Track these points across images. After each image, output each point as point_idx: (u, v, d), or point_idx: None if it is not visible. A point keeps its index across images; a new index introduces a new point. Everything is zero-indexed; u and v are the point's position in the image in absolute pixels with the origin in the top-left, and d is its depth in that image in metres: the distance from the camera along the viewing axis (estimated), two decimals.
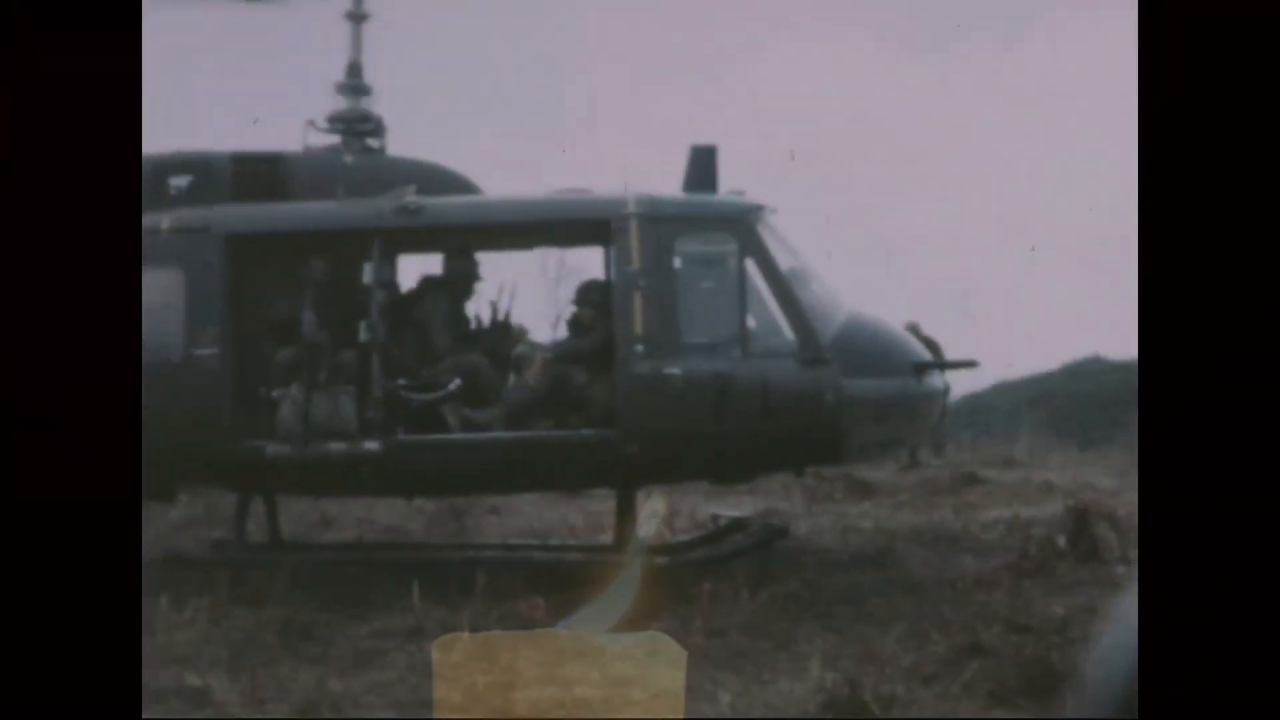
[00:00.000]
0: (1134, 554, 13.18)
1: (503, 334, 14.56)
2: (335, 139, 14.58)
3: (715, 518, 15.57)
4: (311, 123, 14.57)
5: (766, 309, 13.58)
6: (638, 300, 13.25)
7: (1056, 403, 74.91)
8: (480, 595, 11.71)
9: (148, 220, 12.82)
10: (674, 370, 13.12)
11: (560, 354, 14.10)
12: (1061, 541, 13.30)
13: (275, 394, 13.34)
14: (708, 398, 13.13)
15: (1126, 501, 17.16)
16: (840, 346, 13.41)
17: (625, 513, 14.07)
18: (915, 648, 10.52)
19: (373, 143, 14.56)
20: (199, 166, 13.92)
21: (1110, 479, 21.21)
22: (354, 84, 14.60)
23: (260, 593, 12.38)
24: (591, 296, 14.26)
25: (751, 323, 13.53)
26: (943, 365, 14.01)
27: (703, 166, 14.11)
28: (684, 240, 13.58)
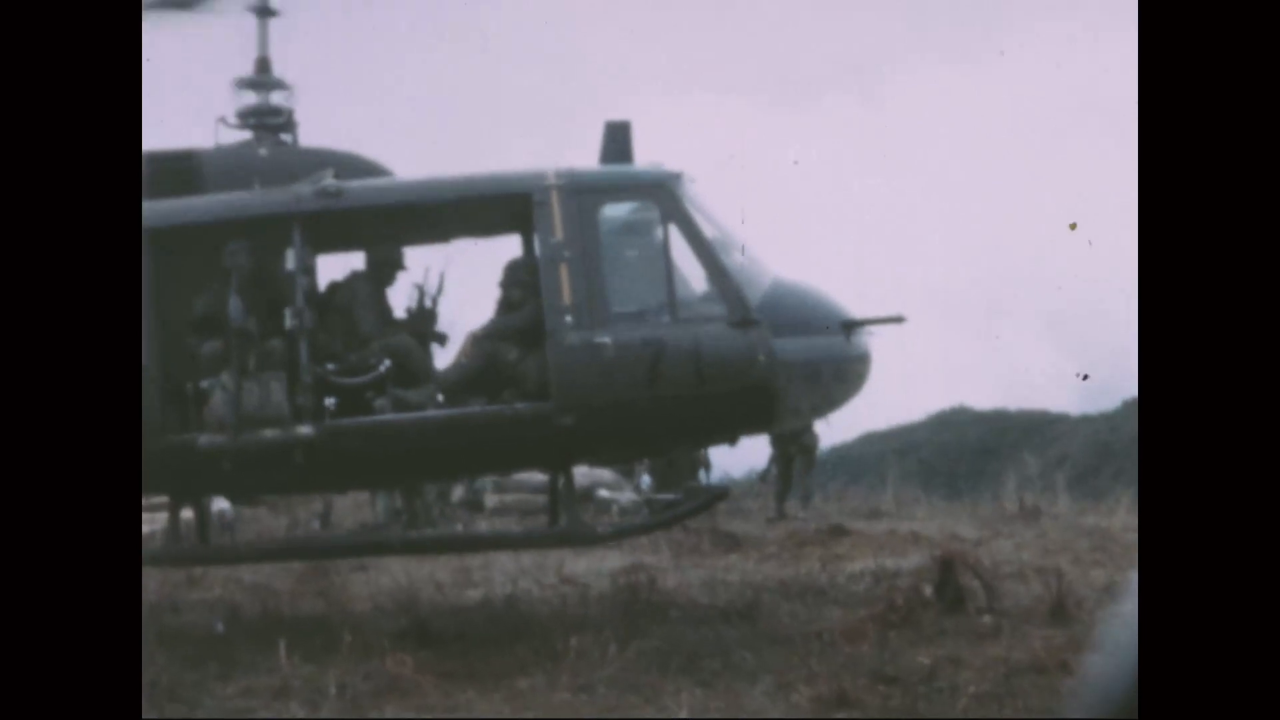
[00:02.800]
0: (998, 604, 13.32)
1: (430, 315, 14.48)
2: (246, 134, 14.43)
3: (649, 499, 15.64)
4: (222, 119, 14.43)
5: (693, 274, 13.63)
6: (564, 271, 13.22)
7: (923, 453, 75.68)
8: (347, 653, 11.62)
9: None
10: (604, 339, 13.10)
11: (490, 331, 14.06)
12: (928, 592, 13.39)
13: (205, 385, 13.15)
14: (640, 365, 13.13)
15: (992, 551, 17.36)
16: (768, 308, 13.45)
17: (563, 489, 14.19)
18: (783, 700, 10.54)
19: (284, 137, 14.44)
20: None
21: (976, 529, 21.43)
22: (263, 79, 14.48)
23: None
24: (518, 274, 14.21)
25: (679, 289, 13.53)
26: (870, 322, 14.02)
27: (618, 141, 14.13)
28: (606, 210, 13.60)
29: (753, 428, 14.26)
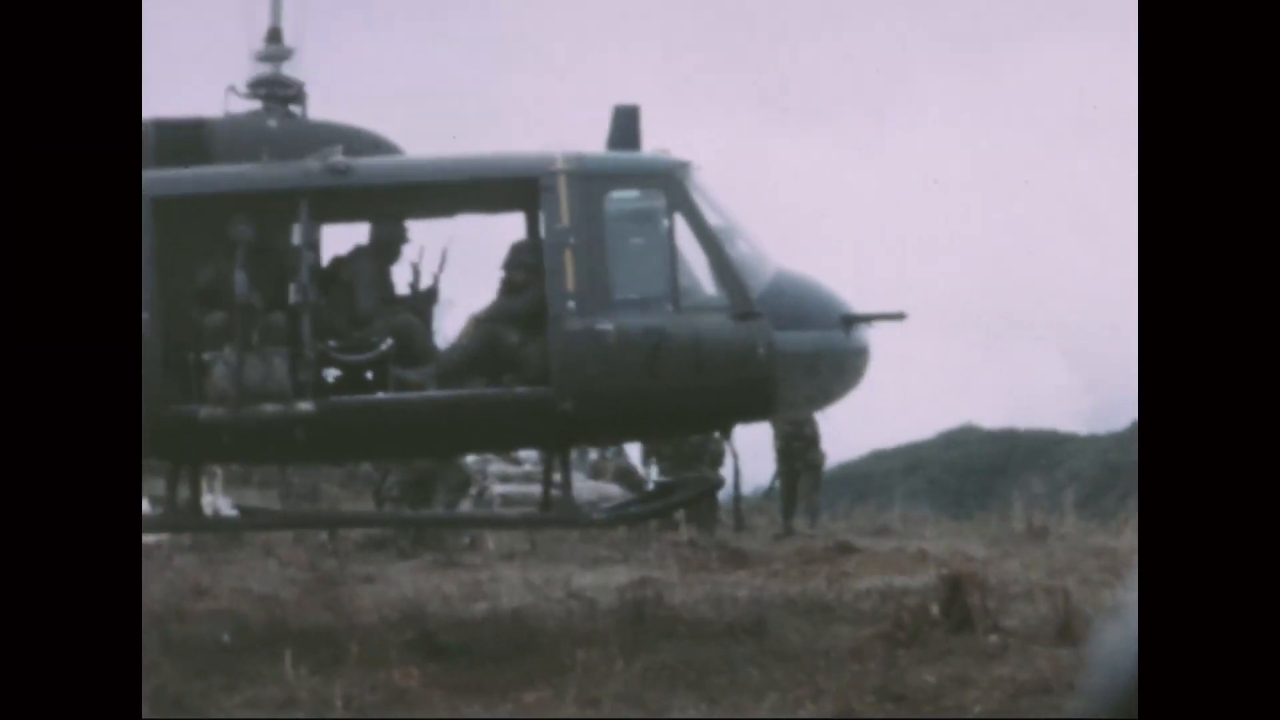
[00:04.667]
0: (1005, 623, 13.29)
1: (431, 293, 14.51)
2: (256, 104, 14.42)
3: (636, 474, 15.71)
4: (232, 88, 14.41)
5: (697, 264, 13.68)
6: (568, 257, 13.27)
7: (931, 471, 75.62)
8: (354, 664, 11.61)
9: None
10: (606, 326, 13.17)
11: (493, 313, 14.09)
12: (935, 610, 13.36)
13: (207, 357, 13.16)
14: (641, 353, 13.21)
15: (999, 570, 17.31)
16: (770, 300, 13.52)
17: (563, 471, 14.34)
18: (789, 717, 10.53)
19: (294, 108, 14.43)
20: None
21: (983, 548, 21.38)
22: (275, 49, 14.46)
23: None
24: (522, 257, 14.24)
25: (682, 278, 13.56)
26: (871, 318, 14.04)
27: (626, 126, 14.15)
28: (613, 196, 13.64)
29: (749, 418, 14.34)
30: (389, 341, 13.69)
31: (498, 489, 26.24)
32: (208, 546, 21.25)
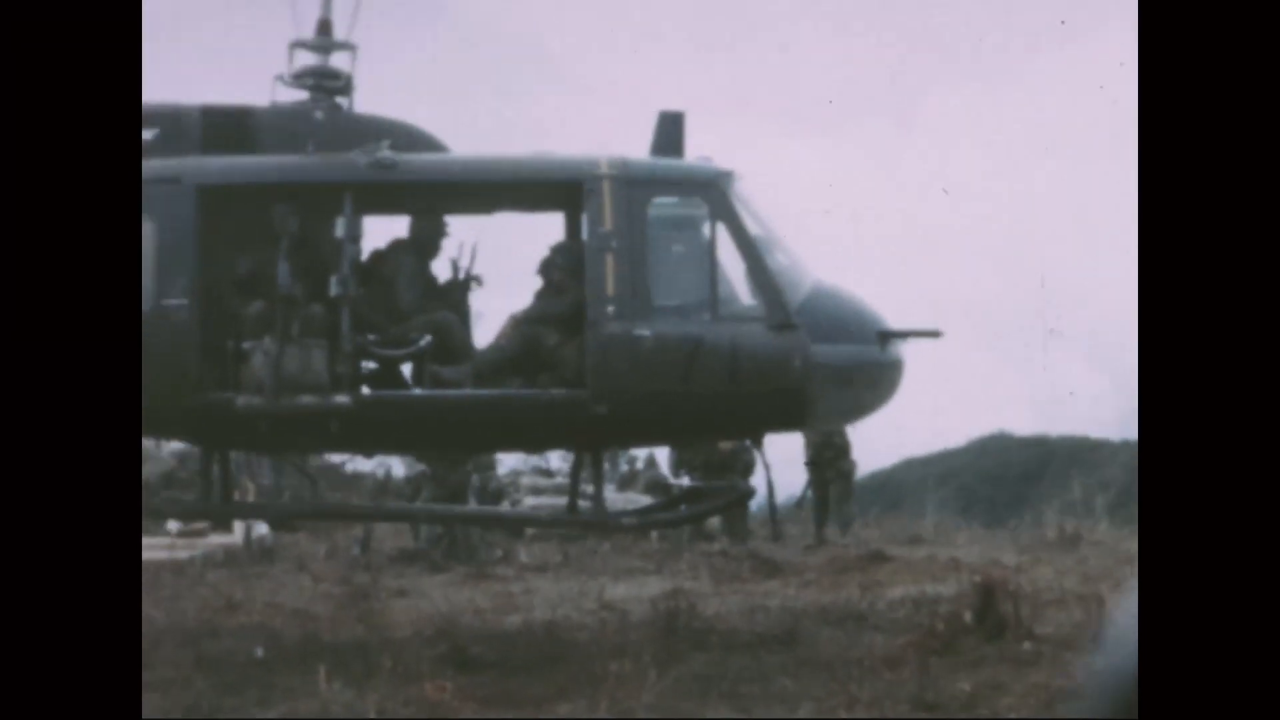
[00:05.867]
0: (1039, 630, 13.25)
1: (465, 286, 14.59)
2: (303, 95, 14.45)
3: (668, 486, 15.75)
4: (279, 78, 14.46)
5: (736, 273, 13.71)
6: (610, 261, 13.32)
7: (963, 479, 75.37)
8: (387, 678, 11.62)
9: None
10: (644, 331, 13.21)
11: (532, 315, 14.13)
12: (968, 618, 13.33)
13: (246, 346, 13.22)
14: (677, 360, 13.24)
15: (1032, 578, 17.26)
16: (807, 312, 13.54)
17: (594, 474, 14.45)
18: None
19: (341, 100, 14.47)
20: (167, 118, 13.73)
21: (1016, 555, 21.33)
22: (323, 41, 14.49)
23: (163, 678, 12.21)
24: (563, 258, 14.28)
25: (721, 287, 13.60)
26: (906, 334, 14.05)
27: (670, 132, 14.19)
28: (656, 202, 13.68)
29: (782, 428, 14.36)
30: (427, 338, 13.72)
31: (529, 500, 26.25)
32: (240, 561, 21.29)
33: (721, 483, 21.54)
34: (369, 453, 15.78)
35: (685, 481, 27.40)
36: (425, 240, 14.51)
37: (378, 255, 14.31)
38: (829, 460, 26.52)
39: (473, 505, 24.56)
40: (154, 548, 21.65)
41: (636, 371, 13.22)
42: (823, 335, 13.52)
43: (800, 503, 27.86)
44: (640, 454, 31.17)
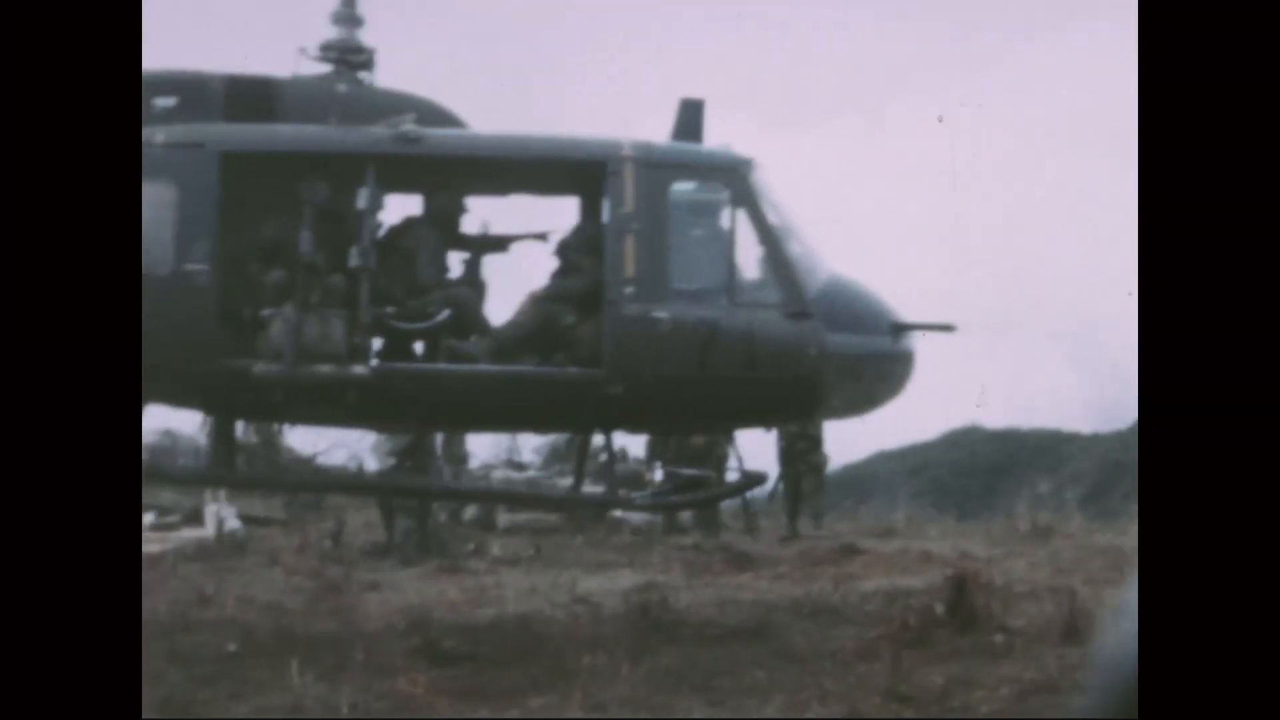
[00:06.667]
0: (1011, 622, 13.29)
1: (477, 264, 14.72)
2: (326, 68, 14.47)
3: (670, 474, 15.83)
4: (303, 50, 14.46)
5: (752, 260, 13.80)
6: (630, 243, 13.40)
7: (935, 472, 75.49)
8: (360, 672, 11.61)
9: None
10: (662, 314, 13.29)
11: (550, 293, 14.18)
12: (940, 611, 13.36)
13: (265, 314, 13.29)
14: (694, 343, 13.33)
15: (1005, 570, 17.30)
16: (823, 302, 13.65)
17: (607, 454, 14.65)
18: (795, 719, 10.53)
19: (363, 75, 14.49)
20: (190, 86, 13.82)
21: (989, 547, 21.37)
22: (348, 14, 14.49)
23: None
24: (581, 239, 14.34)
25: (738, 273, 13.69)
26: (919, 327, 14.13)
27: (690, 119, 14.27)
28: (677, 187, 13.76)
29: (793, 416, 14.46)
30: (446, 312, 13.75)
31: (503, 519, 26.22)
32: (212, 555, 21.24)
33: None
34: (382, 427, 15.86)
35: (659, 474, 27.45)
36: (444, 215, 14.56)
37: (397, 229, 14.35)
38: (802, 453, 26.51)
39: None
40: None
41: (652, 353, 13.30)
42: (838, 325, 13.64)
43: (772, 496, 27.86)
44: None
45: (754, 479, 14.91)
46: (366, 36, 14.58)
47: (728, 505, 26.99)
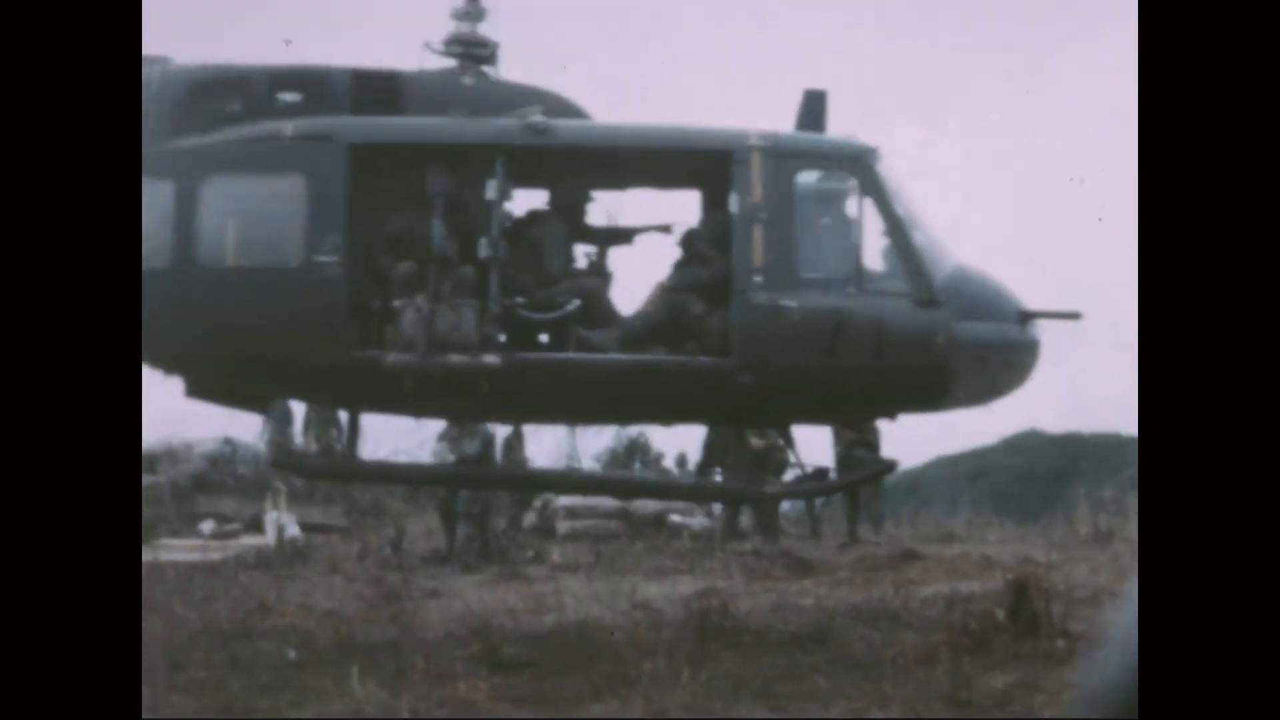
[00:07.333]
0: (1072, 627, 13.21)
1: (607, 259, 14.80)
2: (450, 62, 14.56)
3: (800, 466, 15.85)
4: (427, 44, 14.57)
5: (880, 248, 13.82)
6: (758, 232, 13.44)
7: (995, 477, 75.09)
8: (420, 679, 11.63)
9: (268, 127, 13.30)
10: (791, 303, 13.32)
11: (678, 283, 14.23)
12: (1001, 616, 13.29)
13: (397, 304, 13.35)
14: (823, 332, 13.36)
15: (1065, 575, 17.21)
16: (950, 290, 13.67)
17: (736, 447, 14.94)
18: None
19: (487, 69, 14.57)
20: (316, 80, 13.93)
21: (1049, 552, 21.26)
22: (472, 8, 14.57)
23: (196, 680, 12.22)
24: (708, 229, 14.40)
25: (866, 261, 13.70)
26: (1046, 315, 14.08)
27: (813, 110, 14.32)
28: (804, 176, 13.80)
29: (922, 406, 14.36)
30: (576, 302, 13.80)
31: (561, 501, 26.27)
32: (273, 563, 21.32)
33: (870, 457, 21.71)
34: (511, 419, 15.97)
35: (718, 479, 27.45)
36: (571, 206, 14.65)
37: (522, 220, 14.41)
38: (860, 459, 26.45)
39: (506, 507, 24.72)
40: (188, 549, 21.75)
41: (782, 342, 13.33)
42: (966, 313, 13.65)
43: (830, 501, 27.80)
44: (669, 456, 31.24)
45: (885, 466, 14.84)
46: (489, 30, 14.66)
47: (789, 509, 27.00)
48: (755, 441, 23.47)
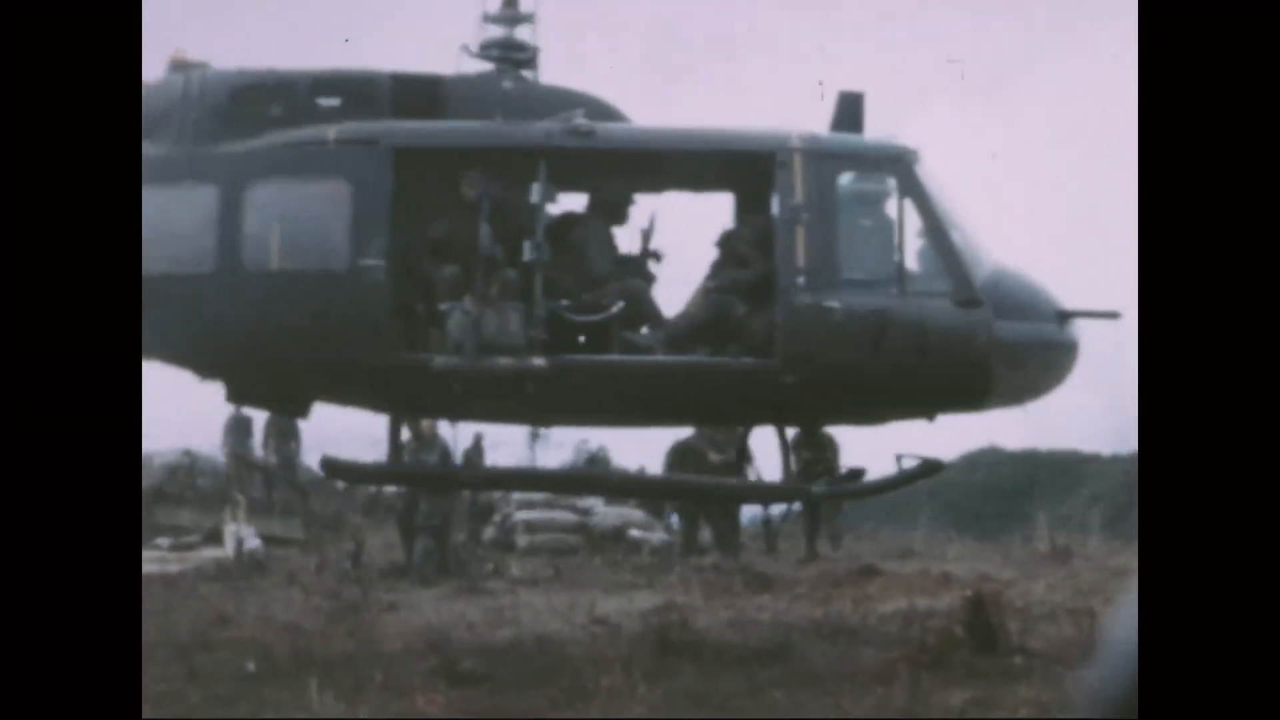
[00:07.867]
0: (1030, 644, 13.25)
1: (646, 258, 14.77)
2: (488, 66, 14.55)
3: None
4: (465, 48, 14.57)
5: (918, 249, 13.89)
6: (800, 233, 13.46)
7: (954, 493, 75.24)
8: (378, 692, 11.62)
9: (312, 132, 13.31)
10: (833, 304, 13.34)
11: (721, 284, 14.23)
12: (959, 632, 13.33)
13: (444, 307, 13.36)
14: (866, 332, 13.39)
15: (1023, 591, 17.27)
16: (991, 290, 13.71)
17: (781, 449, 14.65)
18: None
19: (526, 73, 14.58)
20: (357, 84, 13.94)
21: (1007, 569, 21.33)
22: (510, 13, 14.59)
23: (155, 692, 12.16)
24: (749, 231, 14.43)
25: (907, 262, 13.78)
26: (1085, 315, 14.13)
27: (849, 111, 14.34)
28: (845, 177, 13.86)
29: (962, 407, 14.38)
30: (620, 304, 13.80)
31: (520, 515, 26.27)
32: (231, 575, 21.26)
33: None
34: (555, 421, 16.01)
35: (673, 514, 27.55)
36: (613, 207, 14.68)
37: (562, 223, 14.38)
38: (819, 475, 26.46)
39: (463, 522, 24.64)
40: (146, 561, 21.65)
41: (825, 342, 13.35)
42: (1006, 313, 13.71)
43: (789, 516, 27.81)
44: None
45: (932, 467, 14.89)
46: (527, 34, 14.67)
47: (748, 524, 27.08)
48: (713, 458, 23.49)
